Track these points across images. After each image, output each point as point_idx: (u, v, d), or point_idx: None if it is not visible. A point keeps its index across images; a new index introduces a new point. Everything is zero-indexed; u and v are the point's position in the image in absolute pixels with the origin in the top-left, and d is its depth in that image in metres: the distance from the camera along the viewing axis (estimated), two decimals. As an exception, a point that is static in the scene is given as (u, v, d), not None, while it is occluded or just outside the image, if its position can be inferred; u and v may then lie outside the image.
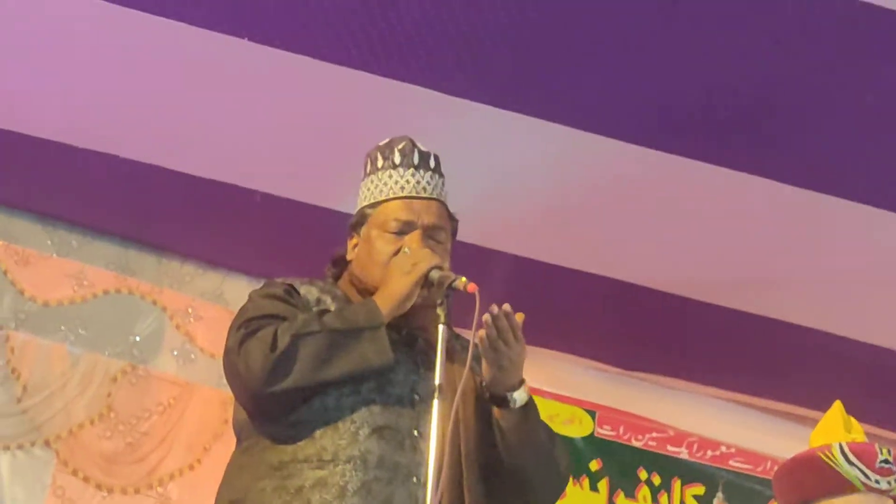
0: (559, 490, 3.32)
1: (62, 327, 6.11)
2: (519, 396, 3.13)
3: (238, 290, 6.33)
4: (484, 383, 3.14)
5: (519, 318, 3.03)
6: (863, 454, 3.66)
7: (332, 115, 5.25)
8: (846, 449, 3.67)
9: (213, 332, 6.28)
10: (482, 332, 3.01)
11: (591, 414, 6.64)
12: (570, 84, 5.05)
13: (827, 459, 3.68)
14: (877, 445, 3.72)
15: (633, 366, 6.74)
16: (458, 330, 3.24)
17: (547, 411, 6.47)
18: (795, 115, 5.02)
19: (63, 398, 5.96)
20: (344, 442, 2.99)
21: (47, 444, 5.92)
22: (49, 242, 6.20)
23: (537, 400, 6.70)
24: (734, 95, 4.97)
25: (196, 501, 6.04)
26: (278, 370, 2.95)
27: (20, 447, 5.88)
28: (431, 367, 2.99)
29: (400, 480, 2.99)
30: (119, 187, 5.81)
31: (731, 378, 6.70)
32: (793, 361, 6.37)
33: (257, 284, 6.29)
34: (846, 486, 3.64)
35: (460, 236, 5.79)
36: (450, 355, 3.03)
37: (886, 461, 3.65)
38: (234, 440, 6.48)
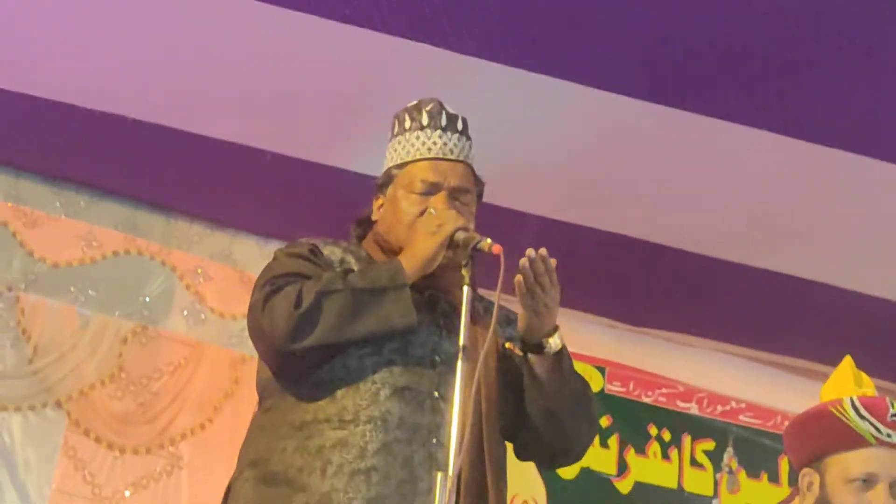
0: (592, 435, 3.35)
1: (71, 288, 6.12)
2: (553, 342, 3.14)
3: (247, 250, 6.34)
4: (518, 332, 3.17)
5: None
6: (874, 408, 3.67)
7: (341, 75, 5.24)
8: (857, 403, 3.68)
9: (223, 292, 6.29)
10: (519, 277, 3.02)
11: (601, 370, 6.65)
12: (576, 40, 5.02)
13: (838, 414, 3.70)
14: (888, 399, 3.72)
15: (643, 322, 6.74)
16: (481, 292, 3.24)
17: (557, 368, 6.49)
18: (801, 69, 5.00)
19: (74, 359, 5.98)
20: (364, 402, 3.00)
21: (59, 404, 5.93)
22: (57, 203, 6.20)
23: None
24: (743, 50, 4.95)
25: (208, 460, 6.06)
26: (302, 327, 2.96)
27: (31, 408, 5.90)
28: (453, 330, 3.00)
29: (420, 441, 3.00)
30: (127, 148, 5.80)
31: (740, 333, 6.70)
32: (802, 316, 6.37)
33: (266, 244, 6.36)
34: (858, 441, 3.66)
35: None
36: (473, 317, 3.01)
37: None
38: (245, 399, 6.52)
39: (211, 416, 6.15)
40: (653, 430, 6.70)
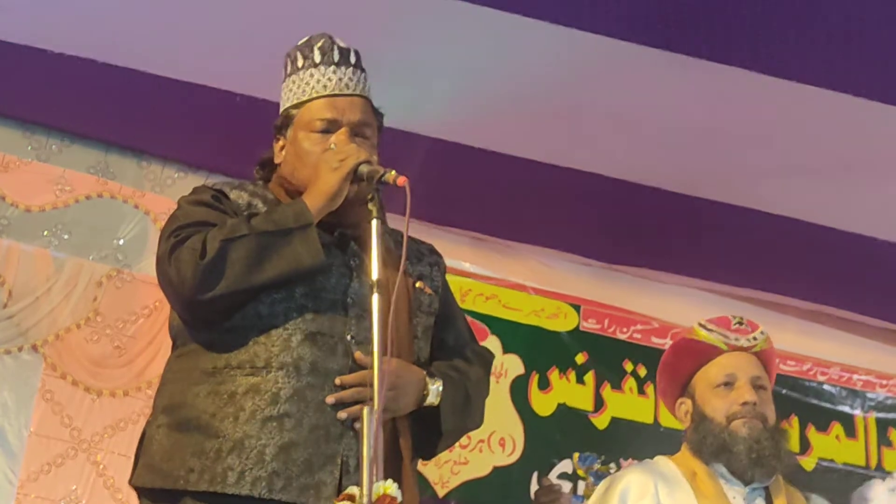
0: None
1: (45, 232, 6.11)
2: (430, 400, 3.14)
3: (220, 193, 6.32)
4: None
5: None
6: (718, 322, 4.07)
7: (310, 16, 5.21)
8: (703, 322, 4.08)
9: (197, 235, 6.28)
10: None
11: (576, 308, 6.68)
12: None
13: (690, 336, 4.08)
14: (731, 316, 4.13)
15: (617, 259, 6.76)
16: (391, 219, 3.22)
17: (532, 306, 6.52)
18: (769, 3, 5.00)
19: (49, 303, 5.97)
20: (276, 349, 2.99)
21: (35, 348, 5.93)
22: (29, 147, 6.18)
23: (522, 296, 6.74)
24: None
25: (185, 403, 6.07)
26: (209, 277, 2.93)
27: (8, 352, 5.90)
28: (364, 271, 2.97)
29: (332, 386, 2.99)
30: (98, 91, 5.77)
31: (714, 269, 6.73)
32: (774, 251, 6.40)
33: (240, 186, 6.30)
34: (712, 351, 4.02)
35: (438, 133, 5.75)
36: (384, 258, 2.95)
37: (740, 322, 4.06)
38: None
39: (187, 358, 6.15)
40: (628, 367, 6.74)
